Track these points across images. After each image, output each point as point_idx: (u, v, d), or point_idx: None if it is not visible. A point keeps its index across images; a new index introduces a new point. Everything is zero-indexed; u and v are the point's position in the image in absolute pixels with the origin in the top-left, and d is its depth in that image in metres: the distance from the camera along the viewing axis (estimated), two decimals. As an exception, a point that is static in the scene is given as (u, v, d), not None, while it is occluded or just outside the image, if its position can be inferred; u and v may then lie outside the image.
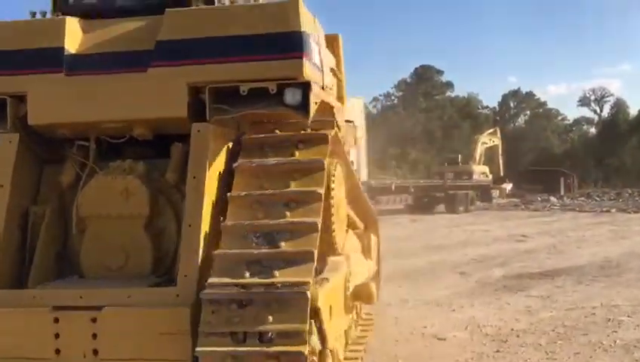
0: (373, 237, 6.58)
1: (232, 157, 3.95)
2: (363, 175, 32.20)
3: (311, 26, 4.19)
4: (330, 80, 4.97)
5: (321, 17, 4.67)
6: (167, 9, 4.14)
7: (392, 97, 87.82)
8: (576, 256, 11.65)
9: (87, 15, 4.41)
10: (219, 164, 3.89)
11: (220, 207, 3.70)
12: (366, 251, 6.21)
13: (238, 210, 3.54)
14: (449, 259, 11.29)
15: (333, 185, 3.91)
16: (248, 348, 2.96)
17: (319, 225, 3.38)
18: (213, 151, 3.81)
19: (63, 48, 4.15)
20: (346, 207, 4.54)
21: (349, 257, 4.68)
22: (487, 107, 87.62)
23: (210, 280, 3.16)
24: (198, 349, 2.98)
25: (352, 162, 7.43)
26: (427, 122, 79.40)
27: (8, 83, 4.12)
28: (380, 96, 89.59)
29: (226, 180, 3.82)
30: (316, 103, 4.01)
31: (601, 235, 15.48)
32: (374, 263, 6.55)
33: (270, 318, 2.98)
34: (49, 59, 4.13)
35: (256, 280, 3.13)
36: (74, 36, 4.25)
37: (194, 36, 3.98)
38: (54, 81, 4.06)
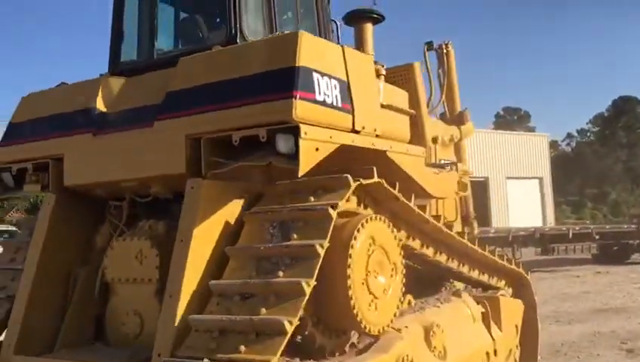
0: (508, 303, 5.44)
1: (247, 209, 3.53)
2: (549, 219, 29.52)
3: (326, 59, 3.59)
4: (390, 119, 4.40)
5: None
6: (181, 58, 3.81)
7: (588, 133, 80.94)
8: None
9: (134, 72, 4.27)
10: (220, 220, 3.46)
11: (220, 264, 3.35)
12: (489, 321, 5.12)
13: (233, 269, 3.27)
14: (621, 327, 9.29)
15: (354, 241, 3.29)
16: None
17: (305, 288, 2.89)
18: (212, 207, 3.41)
19: (94, 109, 4.07)
20: (393, 268, 3.71)
21: (408, 333, 3.86)
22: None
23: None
24: None
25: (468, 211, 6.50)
26: (630, 159, 71.45)
27: (50, 146, 4.15)
28: (575, 132, 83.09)
29: (234, 235, 3.44)
30: (317, 150, 3.35)
31: None
32: (509, 338, 5.33)
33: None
34: (82, 120, 4.08)
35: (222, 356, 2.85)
36: (108, 96, 4.13)
37: (195, 84, 3.59)
38: (84, 142, 4.00)
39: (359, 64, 4.03)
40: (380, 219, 3.65)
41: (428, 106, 6.52)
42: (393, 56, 5.65)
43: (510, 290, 5.88)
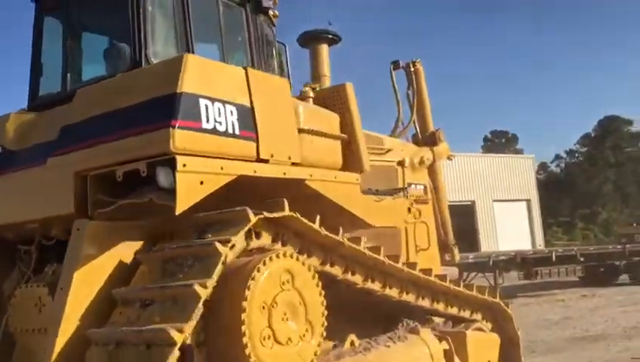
0: (477, 337, 5.00)
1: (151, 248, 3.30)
2: (538, 241, 29.06)
3: (221, 84, 3.32)
4: (312, 144, 4.07)
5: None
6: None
7: (576, 154, 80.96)
8: None
9: (48, 106, 3.93)
10: (107, 263, 3.17)
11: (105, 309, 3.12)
12: (452, 359, 4.70)
13: (117, 314, 3.08)
14: (598, 358, 8.58)
15: (252, 281, 2.96)
16: None
17: (174, 337, 2.62)
18: (99, 250, 3.13)
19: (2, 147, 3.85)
20: (308, 309, 3.35)
21: None
22: (691, 157, 76.78)
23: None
24: None
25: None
26: (618, 178, 71.30)
27: None
28: (564, 153, 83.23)
29: (127, 276, 3.24)
30: (202, 183, 3.07)
31: None
32: None
33: None
34: None
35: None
36: (14, 133, 3.84)
37: (87, 116, 3.32)
38: None
39: (268, 87, 3.76)
40: (292, 255, 3.28)
41: (396, 128, 6.24)
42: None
43: (489, 324, 5.44)
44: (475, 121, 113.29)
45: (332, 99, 4.80)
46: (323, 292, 3.46)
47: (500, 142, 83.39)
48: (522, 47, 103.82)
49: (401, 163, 5.75)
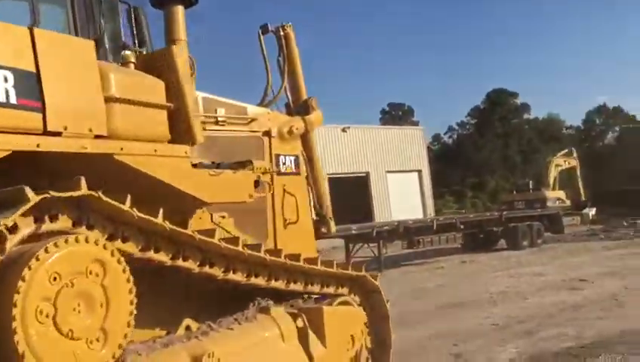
0: (336, 312, 4.72)
1: None
2: (429, 210, 29.96)
3: None
4: (125, 115, 3.61)
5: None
6: None
7: (467, 126, 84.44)
8: (640, 311, 8.63)
9: None
10: None
11: None
12: (306, 337, 4.35)
13: None
14: (460, 326, 8.58)
15: (27, 271, 2.55)
16: None
17: None
18: None
19: None
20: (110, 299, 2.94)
21: None
22: (571, 127, 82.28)
23: None
24: None
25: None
26: (505, 148, 75.16)
27: None
28: (456, 125, 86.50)
29: None
30: None
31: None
32: (338, 352, 4.59)
33: None
34: None
35: None
36: None
37: None
38: None
39: (64, 51, 3.26)
40: (87, 240, 2.83)
41: (265, 97, 5.81)
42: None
43: (357, 298, 5.19)
44: (376, 93, 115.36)
45: (158, 65, 4.22)
46: (131, 286, 3.04)
47: (396, 115, 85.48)
48: (414, 21, 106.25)
49: (267, 133, 5.40)
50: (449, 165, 75.74)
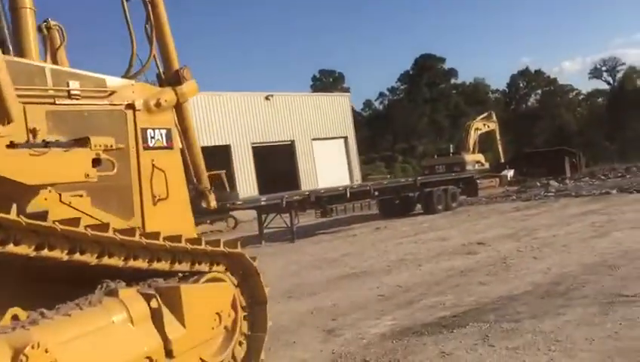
0: (198, 290, 4.60)
1: None
2: (355, 177, 30.16)
3: None
4: None
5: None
6: None
7: (397, 91, 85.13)
8: (523, 274, 8.68)
9: None
10: None
11: None
12: (161, 318, 4.15)
13: None
14: (346, 299, 8.41)
15: None
16: None
17: None
18: None
19: None
20: None
21: None
22: (497, 91, 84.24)
23: None
24: None
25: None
26: (433, 113, 76.33)
27: None
28: (387, 91, 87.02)
29: None
30: None
31: (576, 233, 12.37)
32: (201, 331, 4.47)
33: None
34: None
35: None
36: None
37: None
38: None
39: None
40: None
41: (130, 68, 5.52)
42: None
43: (234, 277, 5.15)
44: (305, 59, 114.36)
45: None
46: None
47: (327, 82, 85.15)
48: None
49: (131, 106, 5.08)
50: (379, 131, 76.42)
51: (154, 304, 4.18)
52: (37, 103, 4.44)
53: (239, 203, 16.21)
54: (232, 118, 34.56)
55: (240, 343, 5.09)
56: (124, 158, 5.01)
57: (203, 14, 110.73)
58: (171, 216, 5.30)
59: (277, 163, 36.73)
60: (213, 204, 6.33)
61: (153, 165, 5.24)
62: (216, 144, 33.52)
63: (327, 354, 5.90)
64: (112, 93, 5.00)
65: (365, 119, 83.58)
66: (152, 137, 5.30)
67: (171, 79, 5.83)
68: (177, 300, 4.30)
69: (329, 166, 38.53)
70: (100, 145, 4.39)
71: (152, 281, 4.48)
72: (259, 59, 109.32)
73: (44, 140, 4.12)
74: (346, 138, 41.15)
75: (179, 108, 5.82)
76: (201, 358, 4.58)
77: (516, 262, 9.76)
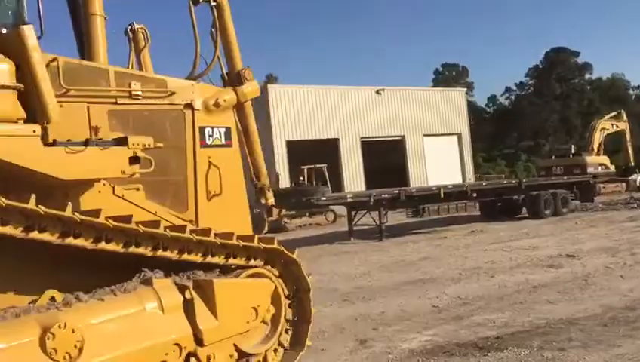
0: (233, 285, 4.71)
1: None
2: (468, 175, 29.25)
3: None
4: None
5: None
6: None
7: (525, 87, 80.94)
8: (600, 295, 7.81)
9: None
10: None
11: None
12: (193, 309, 4.34)
13: None
14: (403, 305, 8.08)
15: None
16: None
17: None
18: None
19: None
20: None
21: None
22: (638, 87, 77.54)
23: None
24: None
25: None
26: (563, 110, 71.71)
27: None
28: (514, 86, 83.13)
29: None
30: None
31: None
32: (235, 323, 4.63)
33: None
34: None
35: None
36: None
37: None
38: None
39: None
40: None
41: (194, 69, 5.84)
42: None
43: (275, 270, 5.17)
44: (427, 53, 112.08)
45: (11, 46, 4.16)
46: None
47: (450, 75, 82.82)
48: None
49: (189, 106, 5.34)
50: (504, 127, 73.13)
51: (187, 295, 4.37)
52: (100, 103, 4.80)
53: (323, 199, 16.13)
54: (342, 111, 34.66)
55: (286, 331, 5.22)
56: (181, 155, 5.32)
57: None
58: (225, 212, 5.43)
59: (386, 158, 36.33)
60: (271, 200, 6.51)
61: (210, 162, 5.42)
62: (325, 137, 33.82)
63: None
64: (172, 93, 5.26)
65: (489, 115, 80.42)
66: (209, 135, 5.49)
67: (233, 80, 6.02)
68: (211, 293, 4.44)
69: (440, 163, 37.47)
70: (138, 144, 4.60)
71: (190, 273, 4.59)
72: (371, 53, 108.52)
73: (86, 139, 4.39)
74: (459, 134, 39.83)
75: (240, 107, 6.02)
76: (237, 348, 4.71)
77: (598, 280, 8.80)
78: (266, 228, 22.88)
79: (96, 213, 3.93)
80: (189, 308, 4.35)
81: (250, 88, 6.02)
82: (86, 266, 4.11)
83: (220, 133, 5.58)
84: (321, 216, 24.26)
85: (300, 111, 33.01)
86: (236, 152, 5.82)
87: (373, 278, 10.64)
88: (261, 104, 32.36)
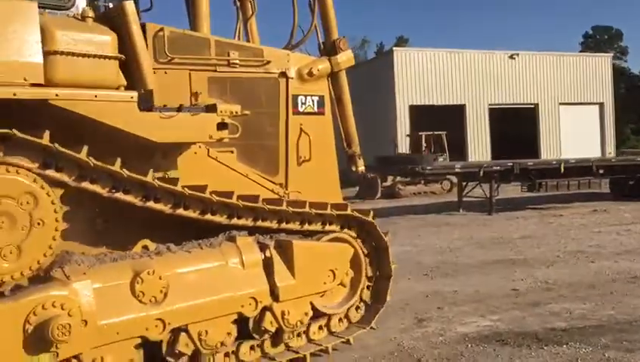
0: (311, 247, 5.01)
1: None
2: (608, 149, 27.39)
3: None
4: (69, 65, 4.11)
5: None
6: None
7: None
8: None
9: None
10: None
11: None
12: (272, 267, 4.72)
13: None
14: (482, 285, 7.77)
15: None
16: None
17: None
18: None
19: None
20: (32, 219, 3.82)
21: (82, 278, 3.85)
22: None
23: None
24: None
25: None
26: None
27: None
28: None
29: None
30: None
31: None
32: (312, 283, 4.95)
33: None
34: None
35: None
36: None
37: None
38: None
39: (5, 14, 3.86)
40: (7, 170, 3.71)
41: (292, 39, 6.14)
42: None
43: (352, 232, 5.43)
44: (575, 15, 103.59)
45: (116, 19, 4.62)
46: (55, 213, 3.86)
47: (601, 39, 76.12)
48: None
49: (284, 74, 5.68)
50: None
51: (267, 253, 4.73)
52: (200, 70, 5.22)
53: (428, 169, 15.68)
54: (470, 77, 33.23)
55: (368, 287, 5.54)
56: (274, 121, 5.68)
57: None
58: (314, 177, 5.77)
59: (516, 127, 34.47)
60: (362, 168, 6.65)
61: (301, 129, 5.73)
62: (450, 103, 32.76)
63: (392, 345, 5.54)
64: (268, 62, 5.58)
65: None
66: (302, 103, 5.79)
67: (329, 49, 6.19)
68: (290, 253, 4.77)
69: (577, 134, 34.83)
70: (226, 111, 4.90)
71: (274, 234, 4.97)
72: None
73: (180, 106, 4.75)
74: (601, 104, 36.66)
75: (334, 76, 6.20)
76: (314, 306, 5.06)
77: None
78: (379, 194, 22.83)
79: (202, 188, 4.42)
80: (268, 265, 4.70)
81: (345, 58, 6.16)
82: (180, 224, 4.56)
83: (312, 101, 5.85)
84: (437, 184, 23.73)
85: (426, 75, 32.11)
86: (328, 120, 6.06)
87: (463, 254, 10.28)
88: (385, 67, 32.00)
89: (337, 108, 6.34)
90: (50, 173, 3.86)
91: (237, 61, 5.35)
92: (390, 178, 23.14)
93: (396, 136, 29.23)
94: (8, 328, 3.52)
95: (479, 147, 33.45)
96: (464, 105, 33.08)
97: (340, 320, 5.39)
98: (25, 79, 3.88)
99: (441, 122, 27.50)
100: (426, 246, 11.16)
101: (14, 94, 3.77)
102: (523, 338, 5.50)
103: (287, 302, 4.75)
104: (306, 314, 4.95)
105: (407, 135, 27.67)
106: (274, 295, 4.67)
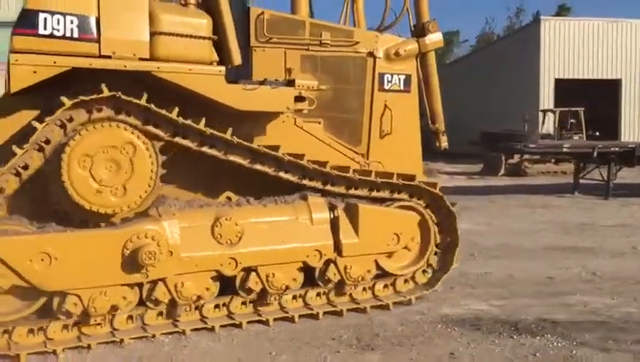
0: (377, 212, 5.69)
1: None
2: None
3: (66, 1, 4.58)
4: (170, 43, 4.99)
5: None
6: None
7: None
8: None
9: None
10: None
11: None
12: (338, 226, 5.49)
13: None
14: (520, 270, 7.75)
15: (67, 147, 4.58)
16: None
17: None
18: None
19: None
20: (133, 164, 4.81)
21: (172, 218, 4.88)
22: None
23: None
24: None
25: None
26: None
27: None
28: None
29: None
30: (35, 72, 4.47)
31: None
32: (374, 243, 5.65)
33: None
34: None
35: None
36: None
37: None
38: None
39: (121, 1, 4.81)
40: (118, 125, 4.73)
41: (383, 20, 6.77)
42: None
43: (420, 202, 5.98)
44: None
45: (210, 3, 5.41)
46: (152, 162, 4.84)
47: None
48: None
49: (371, 54, 6.26)
50: None
51: (335, 213, 5.46)
52: (294, 49, 5.97)
53: (531, 147, 14.82)
54: (629, 49, 30.03)
55: (435, 253, 6.13)
56: (360, 97, 6.29)
57: None
58: (396, 150, 6.33)
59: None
60: (445, 144, 7.06)
61: (385, 105, 6.31)
62: (603, 77, 29.97)
63: (363, 318, 5.54)
64: (357, 42, 6.25)
65: None
66: (388, 81, 6.35)
67: (419, 31, 6.67)
68: (355, 215, 5.44)
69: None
70: (304, 86, 5.81)
71: (345, 198, 5.65)
72: None
73: (263, 79, 5.71)
74: None
75: (423, 57, 6.67)
76: (378, 265, 5.78)
77: None
78: (502, 171, 22.01)
79: (275, 148, 5.25)
80: (335, 224, 5.42)
81: (433, 40, 6.57)
82: (261, 182, 5.43)
83: (399, 79, 6.39)
84: (569, 163, 22.13)
85: (576, 47, 29.72)
86: (413, 98, 6.55)
87: (533, 238, 9.94)
88: (531, 38, 30.05)
89: (424, 87, 6.71)
90: (150, 128, 4.81)
91: (328, 41, 6.00)
92: (517, 156, 21.99)
93: (525, 114, 27.33)
94: (113, 249, 4.58)
95: (635, 126, 30.32)
96: (619, 79, 30.06)
97: (406, 281, 6.01)
98: (134, 54, 4.80)
99: (591, 98, 25.34)
100: (500, 228, 10.80)
101: (125, 66, 4.74)
102: (501, 326, 5.35)
103: (349, 257, 5.42)
104: (369, 271, 5.60)
105: (541, 110, 25.89)
106: (338, 250, 5.37)
